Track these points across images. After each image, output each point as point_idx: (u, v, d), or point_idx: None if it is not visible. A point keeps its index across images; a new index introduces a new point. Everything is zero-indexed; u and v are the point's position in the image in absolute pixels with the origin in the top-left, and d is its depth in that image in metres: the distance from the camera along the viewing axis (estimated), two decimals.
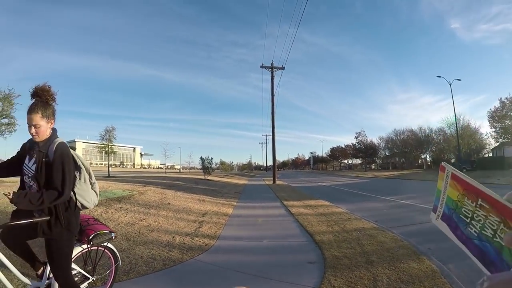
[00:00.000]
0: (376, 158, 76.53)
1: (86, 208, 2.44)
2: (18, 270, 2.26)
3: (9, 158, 2.42)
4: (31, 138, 2.26)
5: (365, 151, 70.03)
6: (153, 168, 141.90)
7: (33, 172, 2.17)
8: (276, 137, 27.31)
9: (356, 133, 71.57)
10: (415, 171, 47.26)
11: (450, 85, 36.55)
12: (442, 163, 0.95)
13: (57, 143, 2.18)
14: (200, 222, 6.70)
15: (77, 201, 2.32)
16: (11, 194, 1.97)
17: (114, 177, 23.44)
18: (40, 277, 2.45)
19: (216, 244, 4.99)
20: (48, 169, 2.13)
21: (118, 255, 2.96)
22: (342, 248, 4.60)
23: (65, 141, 2.24)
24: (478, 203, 0.80)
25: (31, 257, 2.49)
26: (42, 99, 2.18)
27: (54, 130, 2.28)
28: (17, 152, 2.39)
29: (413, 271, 3.58)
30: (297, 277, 3.47)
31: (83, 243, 2.58)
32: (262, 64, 26.83)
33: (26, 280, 2.35)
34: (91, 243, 2.55)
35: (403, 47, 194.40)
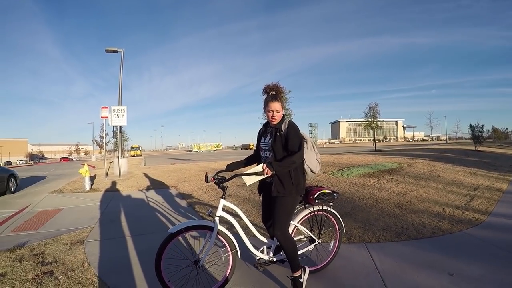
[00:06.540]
0: None
1: (313, 172, 2.83)
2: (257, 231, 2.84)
3: (254, 151, 3.10)
4: (263, 125, 2.93)
5: None
6: (417, 140, 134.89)
7: (269, 145, 2.72)
8: None
9: None
10: None
11: None
12: None
13: (288, 120, 2.72)
14: (471, 196, 6.51)
15: (306, 166, 2.78)
16: (266, 167, 2.49)
17: (380, 151, 24.73)
18: (272, 237, 2.89)
19: (487, 220, 4.81)
20: (283, 140, 2.64)
21: (342, 222, 3.21)
22: None
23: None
24: None
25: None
26: (278, 94, 2.76)
27: (283, 115, 2.79)
28: (256, 145, 3.02)
29: None
30: None
31: (310, 204, 2.99)
32: None
33: (263, 238, 2.89)
34: (316, 201, 2.90)
35: None
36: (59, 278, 3.07)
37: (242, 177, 2.60)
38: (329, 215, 3.13)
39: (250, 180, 2.58)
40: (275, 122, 2.73)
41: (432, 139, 61.31)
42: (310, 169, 2.79)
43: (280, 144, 2.65)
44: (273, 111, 2.68)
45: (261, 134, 2.91)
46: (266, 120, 2.90)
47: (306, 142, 2.83)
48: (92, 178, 12.20)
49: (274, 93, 2.74)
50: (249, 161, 3.09)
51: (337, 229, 3.21)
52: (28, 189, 11.60)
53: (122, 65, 15.11)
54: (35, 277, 3.08)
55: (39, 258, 3.61)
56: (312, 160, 2.80)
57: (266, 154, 2.78)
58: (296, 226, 2.94)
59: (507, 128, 45.78)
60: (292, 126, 2.66)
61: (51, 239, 4.42)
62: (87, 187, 9.92)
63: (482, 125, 24.54)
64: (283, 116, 2.79)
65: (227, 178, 2.74)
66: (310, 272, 2.87)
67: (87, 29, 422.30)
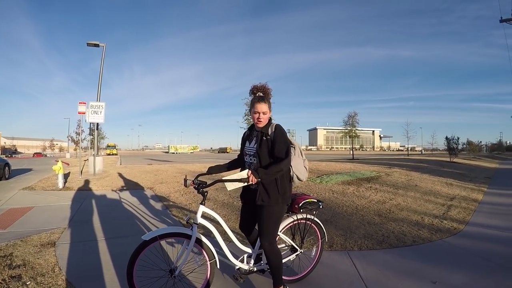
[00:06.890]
0: None
1: (300, 180, 2.70)
2: (238, 240, 2.72)
3: (238, 155, 2.90)
4: (248, 128, 2.81)
5: None
6: (393, 150, 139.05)
7: (254, 150, 2.56)
8: None
9: None
10: None
11: None
12: None
13: (275, 124, 2.56)
14: (449, 205, 6.67)
15: (293, 174, 2.64)
16: (251, 174, 2.32)
17: (357, 159, 25.07)
18: (253, 246, 2.83)
19: (465, 229, 4.91)
20: (269, 145, 2.49)
21: (325, 231, 3.14)
22: None
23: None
24: None
25: (252, 233, 2.87)
26: (265, 95, 2.60)
27: (270, 118, 2.63)
28: (240, 149, 2.85)
29: None
30: None
31: (294, 213, 2.87)
32: (501, 18, 21.28)
33: (243, 247, 2.77)
34: (301, 210, 2.80)
35: None
36: (27, 283, 2.87)
37: (225, 182, 2.46)
38: (312, 224, 3.04)
39: (233, 186, 2.45)
40: (261, 125, 2.56)
41: (408, 150, 62.74)
42: (297, 176, 2.66)
43: (266, 149, 2.49)
44: (259, 113, 2.52)
45: (246, 138, 2.75)
46: (246, 124, 2.80)
47: (294, 148, 2.72)
48: (66, 176, 11.73)
49: (261, 94, 2.58)
50: (232, 166, 2.89)
51: (319, 237, 3.14)
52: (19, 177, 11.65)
53: (103, 61, 14.70)
54: (2, 281, 2.87)
55: (7, 261, 3.37)
56: (299, 167, 2.68)
57: (250, 159, 2.62)
58: (278, 235, 2.79)
59: (481, 141, 47.77)
60: (280, 131, 2.51)
61: (20, 240, 4.16)
62: (60, 185, 9.52)
63: (458, 138, 25.43)
64: (270, 119, 2.62)
65: (208, 183, 2.57)
66: (292, 281, 2.83)
67: (70, 23, 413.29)
